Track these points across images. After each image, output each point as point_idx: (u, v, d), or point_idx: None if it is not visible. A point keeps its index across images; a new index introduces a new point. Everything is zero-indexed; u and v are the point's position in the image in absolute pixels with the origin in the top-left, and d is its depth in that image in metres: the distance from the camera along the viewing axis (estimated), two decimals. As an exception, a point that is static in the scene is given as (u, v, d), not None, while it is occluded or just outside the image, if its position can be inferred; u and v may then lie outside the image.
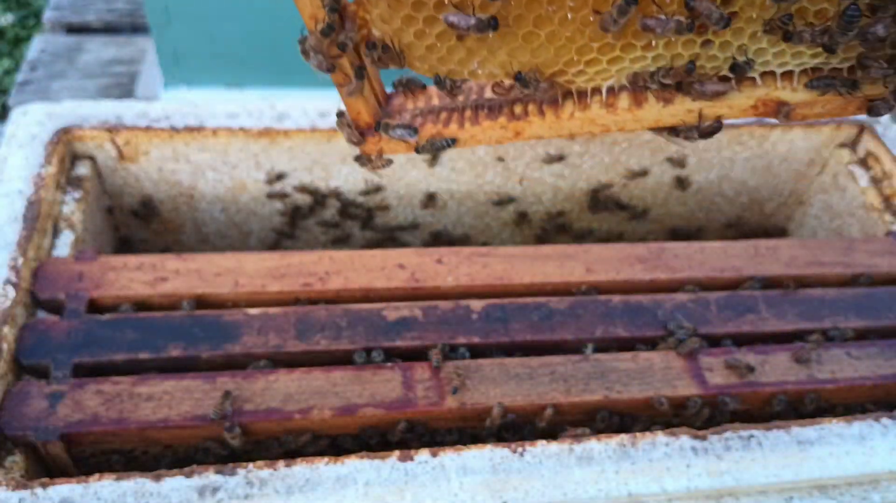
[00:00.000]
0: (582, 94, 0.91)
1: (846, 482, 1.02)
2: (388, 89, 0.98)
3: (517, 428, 1.11)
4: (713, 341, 1.21)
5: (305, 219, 1.58)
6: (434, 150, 0.93)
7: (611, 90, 0.91)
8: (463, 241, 1.69)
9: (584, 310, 1.21)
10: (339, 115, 0.94)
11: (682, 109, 0.89)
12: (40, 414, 0.99)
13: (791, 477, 1.00)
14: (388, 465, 0.95)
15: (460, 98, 0.95)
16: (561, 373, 1.11)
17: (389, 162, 0.98)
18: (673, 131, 0.92)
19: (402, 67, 0.87)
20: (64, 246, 1.24)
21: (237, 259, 1.22)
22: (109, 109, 1.39)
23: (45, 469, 1.03)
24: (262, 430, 1.04)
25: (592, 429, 1.08)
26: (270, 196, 1.51)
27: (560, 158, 1.53)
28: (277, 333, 1.12)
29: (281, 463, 0.94)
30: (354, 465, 0.95)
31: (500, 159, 1.52)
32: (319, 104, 1.45)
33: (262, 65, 1.77)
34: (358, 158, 0.99)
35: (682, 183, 1.63)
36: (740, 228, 1.80)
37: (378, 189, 1.54)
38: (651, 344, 1.20)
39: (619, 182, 1.60)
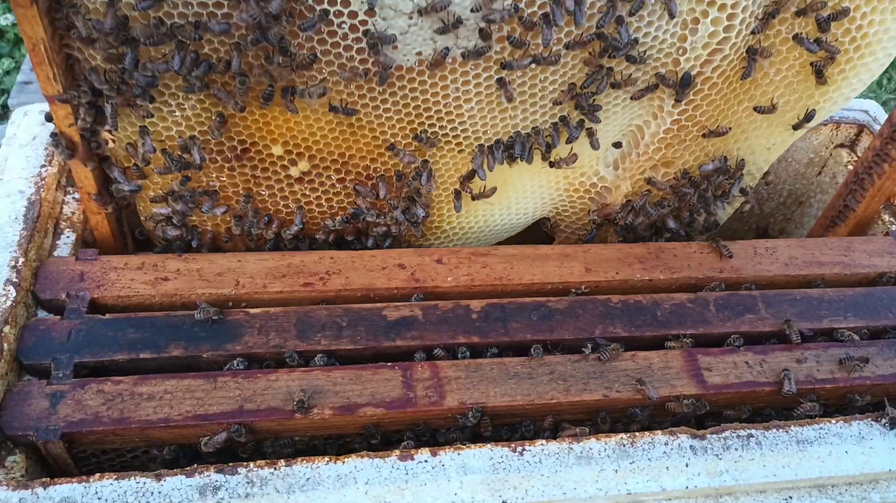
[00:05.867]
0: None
1: (845, 481, 1.03)
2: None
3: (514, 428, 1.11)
4: (712, 341, 1.21)
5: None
6: None
7: None
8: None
9: (583, 310, 1.22)
10: None
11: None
12: (41, 414, 1.00)
13: (790, 476, 1.00)
14: (389, 464, 0.95)
15: None
16: (560, 373, 1.12)
17: None
18: None
19: None
20: (65, 246, 1.24)
21: (238, 259, 1.22)
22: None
23: (46, 468, 1.04)
24: (263, 430, 1.04)
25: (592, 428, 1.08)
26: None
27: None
28: (278, 333, 1.13)
29: (282, 462, 0.95)
30: (355, 464, 0.95)
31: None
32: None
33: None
34: None
35: None
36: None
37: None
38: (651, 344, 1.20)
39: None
